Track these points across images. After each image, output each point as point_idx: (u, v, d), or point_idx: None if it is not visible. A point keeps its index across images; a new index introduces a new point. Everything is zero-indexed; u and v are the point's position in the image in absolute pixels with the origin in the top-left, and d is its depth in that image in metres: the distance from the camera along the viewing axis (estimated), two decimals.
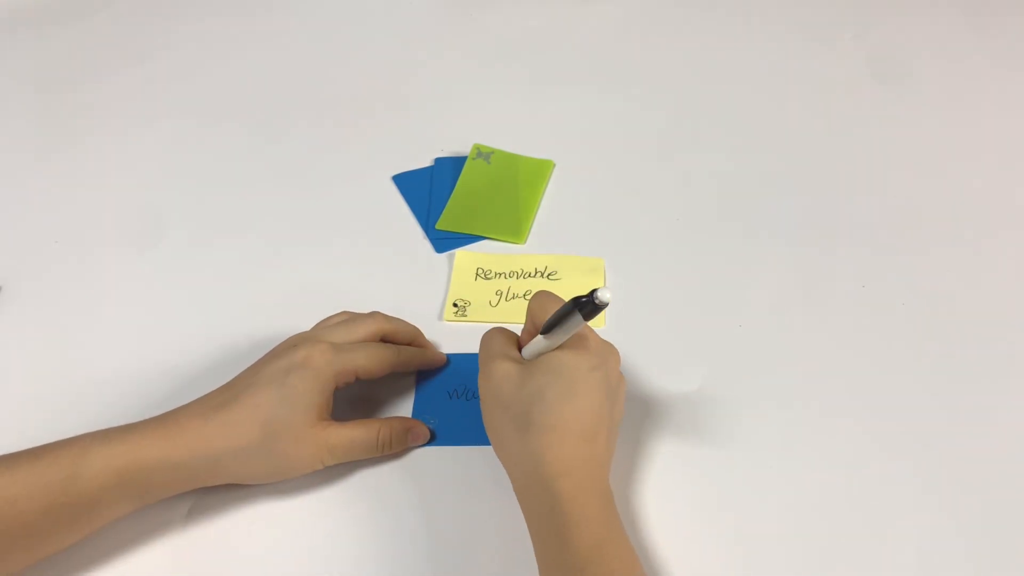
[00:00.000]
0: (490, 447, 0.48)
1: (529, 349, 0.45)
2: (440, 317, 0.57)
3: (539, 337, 0.44)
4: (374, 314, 0.52)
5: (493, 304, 0.58)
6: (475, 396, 0.52)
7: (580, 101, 0.75)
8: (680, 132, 0.71)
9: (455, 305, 0.58)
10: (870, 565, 0.45)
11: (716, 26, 0.82)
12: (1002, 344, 0.55)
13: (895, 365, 0.54)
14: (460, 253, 0.61)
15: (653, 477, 0.48)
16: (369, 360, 0.48)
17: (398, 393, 0.53)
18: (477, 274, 0.60)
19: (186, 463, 0.43)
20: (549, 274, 0.60)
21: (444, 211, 0.64)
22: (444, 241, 0.62)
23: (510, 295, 0.58)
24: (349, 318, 0.51)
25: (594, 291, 0.39)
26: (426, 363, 0.53)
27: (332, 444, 0.46)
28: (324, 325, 0.51)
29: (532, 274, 0.60)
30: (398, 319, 0.53)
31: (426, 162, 0.69)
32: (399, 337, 0.52)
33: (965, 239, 0.61)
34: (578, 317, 0.41)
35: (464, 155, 0.68)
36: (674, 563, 0.44)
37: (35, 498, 0.39)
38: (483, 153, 0.69)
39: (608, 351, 0.45)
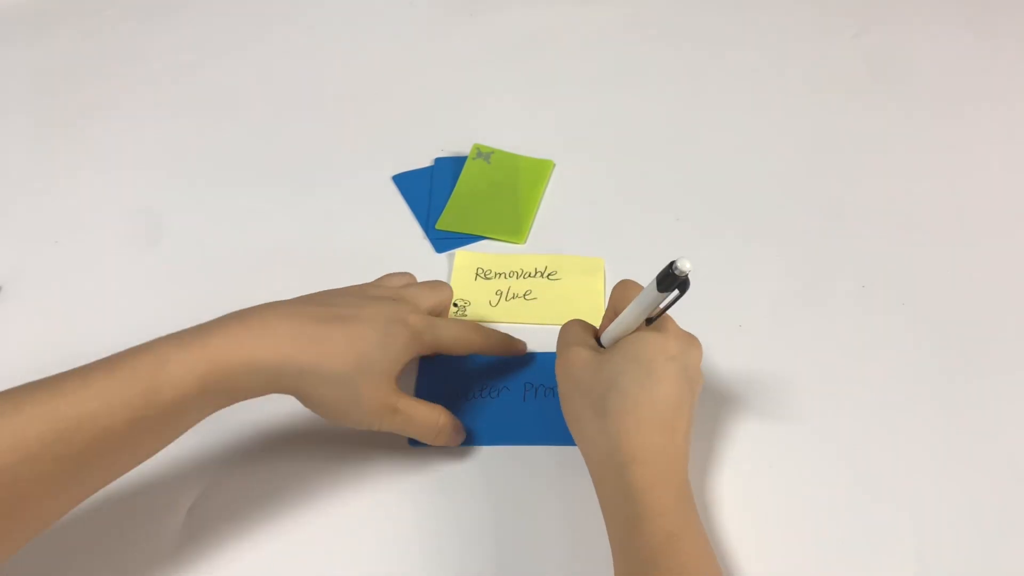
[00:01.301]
0: (491, 448, 0.48)
1: (608, 334, 0.45)
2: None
3: (617, 320, 0.44)
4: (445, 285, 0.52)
5: (493, 304, 0.58)
6: (475, 396, 0.52)
7: (580, 101, 0.75)
8: (679, 132, 0.71)
9: (455, 305, 0.58)
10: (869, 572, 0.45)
11: (715, 26, 0.82)
12: (1003, 344, 0.55)
13: (895, 365, 0.54)
14: (460, 253, 0.61)
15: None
16: (456, 341, 0.48)
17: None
18: (477, 274, 0.60)
19: (271, 368, 0.41)
20: (549, 274, 0.60)
21: (444, 211, 0.64)
22: (444, 241, 0.62)
23: (510, 295, 0.58)
24: (432, 285, 0.50)
25: (672, 262, 0.37)
26: (511, 350, 0.52)
27: (398, 407, 0.45)
28: (399, 284, 0.50)
29: (532, 274, 0.60)
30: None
31: (426, 162, 0.69)
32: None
33: (965, 239, 0.62)
34: (654, 292, 0.39)
35: (464, 155, 0.68)
36: None
37: (116, 413, 0.37)
38: (483, 153, 0.69)
39: (689, 342, 0.44)
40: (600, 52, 0.80)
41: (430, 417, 0.46)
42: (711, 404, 0.52)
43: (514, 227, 0.63)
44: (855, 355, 0.54)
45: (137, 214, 0.65)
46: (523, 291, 0.59)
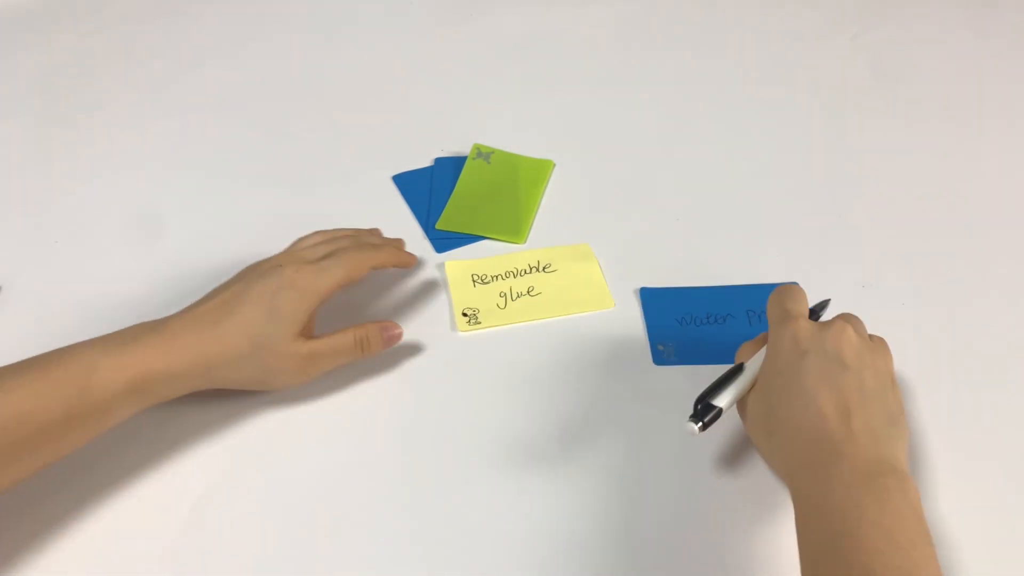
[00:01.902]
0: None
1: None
2: (452, 327, 0.56)
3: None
4: (351, 234, 0.56)
5: (501, 307, 0.57)
6: (702, 322, 0.56)
7: (580, 101, 0.75)
8: (680, 132, 0.72)
9: (464, 315, 0.57)
10: None
11: (715, 26, 0.83)
12: (1003, 344, 0.55)
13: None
14: (449, 264, 0.60)
15: (652, 477, 0.48)
16: (348, 272, 0.51)
17: None
18: (474, 280, 0.59)
19: (185, 373, 0.46)
20: (544, 267, 0.60)
21: (444, 211, 0.64)
22: (444, 241, 0.62)
23: (514, 295, 0.58)
24: (328, 238, 0.54)
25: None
26: (399, 262, 0.56)
27: (315, 354, 0.49)
28: (303, 246, 0.54)
29: (527, 270, 0.60)
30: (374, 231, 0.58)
31: (426, 162, 0.69)
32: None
33: (966, 239, 0.62)
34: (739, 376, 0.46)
35: (464, 155, 0.68)
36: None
37: (52, 410, 0.42)
38: (483, 153, 0.69)
39: (821, 328, 0.45)
40: (600, 53, 0.80)
41: (346, 343, 0.50)
42: None
43: (514, 227, 0.63)
44: None
45: (137, 214, 0.65)
46: (526, 288, 0.58)
